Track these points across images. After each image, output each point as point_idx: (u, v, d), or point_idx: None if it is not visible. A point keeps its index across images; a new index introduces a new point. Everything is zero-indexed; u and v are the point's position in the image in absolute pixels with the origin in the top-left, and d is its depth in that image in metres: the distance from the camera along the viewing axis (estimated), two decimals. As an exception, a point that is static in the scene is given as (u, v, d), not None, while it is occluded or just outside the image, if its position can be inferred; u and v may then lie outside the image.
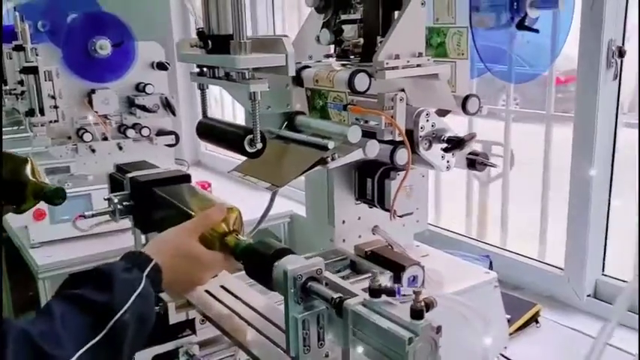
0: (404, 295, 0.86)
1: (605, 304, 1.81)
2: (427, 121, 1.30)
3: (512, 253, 2.12)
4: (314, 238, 1.54)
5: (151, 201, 1.41)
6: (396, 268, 1.33)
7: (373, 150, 1.24)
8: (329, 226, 1.45)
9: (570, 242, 1.88)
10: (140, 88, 2.89)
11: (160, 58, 2.95)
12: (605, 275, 1.88)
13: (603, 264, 1.88)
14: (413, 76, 1.23)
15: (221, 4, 1.12)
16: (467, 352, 1.08)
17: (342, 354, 0.90)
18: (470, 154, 1.39)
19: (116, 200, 1.45)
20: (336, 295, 0.88)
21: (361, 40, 1.32)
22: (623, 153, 1.81)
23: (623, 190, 1.86)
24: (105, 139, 2.82)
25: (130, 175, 1.48)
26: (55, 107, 2.66)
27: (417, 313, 0.79)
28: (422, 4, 1.21)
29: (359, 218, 1.46)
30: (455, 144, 1.30)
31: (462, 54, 1.32)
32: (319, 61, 1.45)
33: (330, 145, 1.24)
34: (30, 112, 2.68)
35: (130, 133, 2.85)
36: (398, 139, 1.25)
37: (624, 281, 1.81)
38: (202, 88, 1.31)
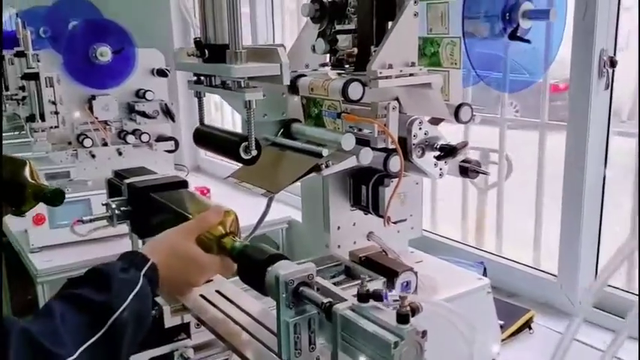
0: (395, 301, 0.88)
1: (598, 310, 1.82)
2: (420, 129, 1.32)
3: (507, 260, 2.14)
4: (310, 243, 1.56)
5: (148, 207, 1.44)
6: (390, 274, 1.35)
7: (366, 157, 1.27)
8: (324, 232, 1.47)
9: (563, 250, 1.90)
10: (140, 94, 2.92)
11: (160, 64, 2.98)
12: (599, 282, 1.89)
13: (596, 271, 1.89)
14: (406, 85, 1.25)
15: (217, 14, 1.15)
16: (454, 358, 1.10)
17: (331, 357, 0.92)
18: (463, 161, 1.41)
19: (114, 205, 1.48)
20: (326, 300, 0.90)
21: (355, 50, 1.34)
22: (615, 161, 1.83)
23: (615, 198, 1.88)
24: (105, 144, 2.86)
25: (127, 180, 1.50)
26: (56, 113, 2.69)
27: (402, 318, 0.81)
28: (415, 14, 1.23)
29: (354, 224, 1.48)
30: (447, 152, 1.32)
31: (455, 63, 1.34)
32: (315, 70, 1.47)
33: (325, 152, 1.26)
34: (31, 118, 2.71)
35: (130, 138, 2.88)
36: (391, 146, 1.27)
37: (616, 288, 1.83)
38: (199, 96, 1.33)
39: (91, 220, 1.48)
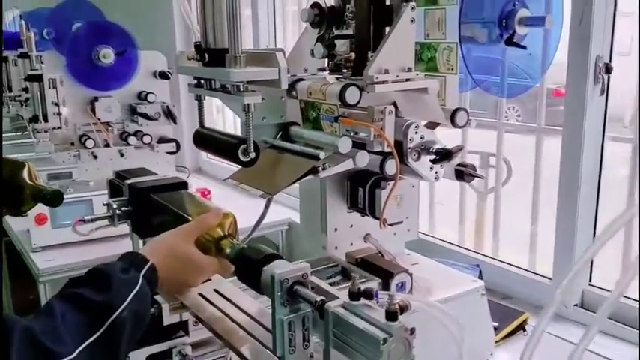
0: (389, 298, 0.90)
1: (592, 313, 1.84)
2: (416, 133, 1.34)
3: (502, 263, 2.16)
4: (307, 245, 1.58)
5: (148, 207, 1.46)
6: (385, 275, 1.37)
7: (363, 160, 1.29)
8: (322, 233, 1.49)
9: (558, 253, 1.92)
10: (142, 96, 2.94)
11: (162, 67, 3.00)
12: (592, 285, 1.91)
13: (590, 274, 1.91)
14: (402, 90, 1.27)
15: (217, 19, 1.17)
16: (445, 357, 1.12)
17: (324, 353, 0.94)
18: (458, 165, 1.43)
19: (115, 206, 1.50)
20: (319, 298, 0.93)
21: (353, 55, 1.36)
22: (610, 166, 1.85)
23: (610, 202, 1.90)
24: (107, 146, 2.87)
25: (128, 181, 1.52)
26: (59, 114, 2.70)
27: (391, 315, 0.84)
28: (411, 20, 1.25)
29: (351, 226, 1.50)
30: (443, 156, 1.34)
31: (452, 69, 1.36)
32: (314, 74, 1.49)
33: (322, 155, 1.28)
34: (34, 119, 2.73)
35: (132, 140, 2.89)
36: (387, 150, 1.29)
37: (610, 291, 1.84)
38: (199, 99, 1.35)
39: (92, 220, 1.50)
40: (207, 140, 1.37)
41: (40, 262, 2.42)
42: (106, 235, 2.25)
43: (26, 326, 0.93)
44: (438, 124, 1.42)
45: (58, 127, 2.72)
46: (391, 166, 1.31)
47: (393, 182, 1.35)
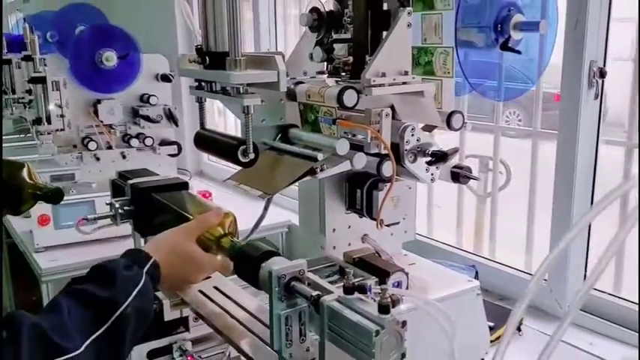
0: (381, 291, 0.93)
1: (587, 314, 1.87)
2: (412, 135, 1.36)
3: (498, 264, 2.18)
4: (306, 245, 1.61)
5: (150, 206, 1.49)
6: (382, 274, 1.39)
7: (360, 162, 1.31)
8: (320, 234, 1.51)
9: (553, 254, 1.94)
10: (144, 99, 2.97)
11: (164, 70, 3.02)
12: (587, 287, 1.93)
13: (584, 275, 1.94)
14: (399, 93, 1.30)
15: (218, 23, 1.19)
16: (438, 353, 1.15)
17: (319, 346, 0.97)
18: (454, 167, 1.45)
19: (117, 205, 1.53)
20: (314, 293, 0.96)
21: (351, 59, 1.39)
22: (605, 169, 1.88)
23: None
24: (109, 147, 2.90)
25: (130, 181, 1.55)
26: (62, 116, 2.73)
27: (383, 308, 0.87)
28: (408, 25, 1.28)
29: (349, 227, 1.52)
30: (438, 157, 1.36)
31: (448, 72, 1.38)
32: (313, 77, 1.52)
33: (320, 156, 1.30)
34: (37, 121, 2.76)
35: (134, 142, 2.92)
36: (383, 152, 1.31)
37: (604, 292, 1.87)
38: (200, 101, 1.37)
39: (95, 219, 1.53)
40: (208, 141, 1.39)
41: (43, 262, 2.44)
42: (107, 235, 2.29)
43: (35, 323, 0.96)
44: (435, 127, 1.45)
45: (61, 129, 2.75)
46: (387, 168, 1.33)
47: (389, 183, 1.38)
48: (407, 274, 1.41)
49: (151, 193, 1.50)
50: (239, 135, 1.39)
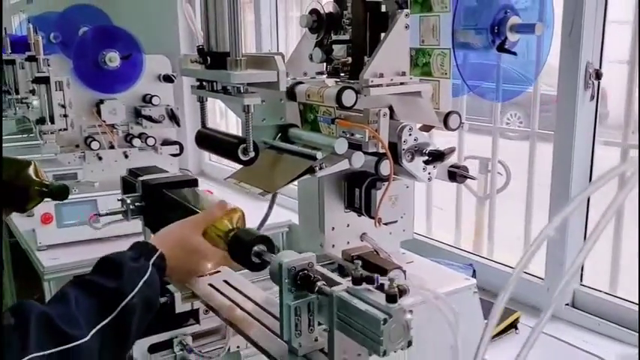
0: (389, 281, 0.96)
1: (583, 312, 1.89)
2: (410, 135, 1.38)
3: (496, 263, 2.20)
4: (306, 243, 1.63)
5: (161, 202, 1.51)
6: (379, 272, 1.40)
7: (358, 161, 1.33)
8: (319, 232, 1.53)
9: (550, 254, 1.96)
10: (147, 99, 2.99)
11: (166, 70, 3.05)
12: (583, 285, 1.95)
13: (581, 275, 1.96)
14: (396, 93, 1.32)
15: (219, 23, 1.21)
16: (441, 344, 1.17)
17: (328, 334, 1.01)
18: (451, 166, 1.47)
19: (129, 201, 1.56)
20: (324, 284, 1.00)
21: (350, 59, 1.41)
22: (602, 170, 1.89)
23: (598, 205, 1.93)
24: (112, 147, 2.92)
25: (141, 178, 1.58)
26: (65, 116, 2.75)
27: (391, 298, 0.90)
28: (405, 27, 1.30)
29: (348, 225, 1.53)
30: (435, 157, 1.38)
31: (445, 73, 1.40)
32: (313, 78, 1.54)
33: (319, 155, 1.32)
34: (40, 121, 2.78)
35: (136, 142, 2.94)
36: (381, 151, 1.33)
37: (601, 291, 1.89)
38: (202, 101, 1.39)
39: (107, 214, 1.56)
40: (209, 140, 1.42)
41: (45, 260, 2.46)
42: (108, 234, 2.32)
43: (43, 311, 0.98)
44: (432, 127, 1.47)
45: (64, 129, 2.77)
46: (385, 167, 1.35)
47: (387, 182, 1.40)
48: (404, 271, 1.43)
49: (162, 190, 1.52)
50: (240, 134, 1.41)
